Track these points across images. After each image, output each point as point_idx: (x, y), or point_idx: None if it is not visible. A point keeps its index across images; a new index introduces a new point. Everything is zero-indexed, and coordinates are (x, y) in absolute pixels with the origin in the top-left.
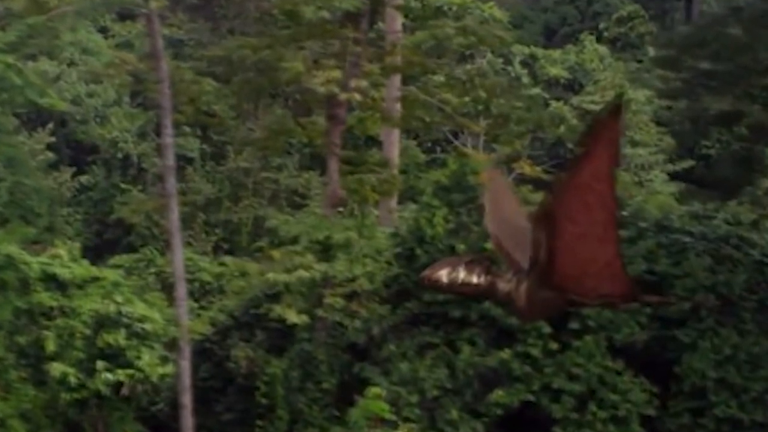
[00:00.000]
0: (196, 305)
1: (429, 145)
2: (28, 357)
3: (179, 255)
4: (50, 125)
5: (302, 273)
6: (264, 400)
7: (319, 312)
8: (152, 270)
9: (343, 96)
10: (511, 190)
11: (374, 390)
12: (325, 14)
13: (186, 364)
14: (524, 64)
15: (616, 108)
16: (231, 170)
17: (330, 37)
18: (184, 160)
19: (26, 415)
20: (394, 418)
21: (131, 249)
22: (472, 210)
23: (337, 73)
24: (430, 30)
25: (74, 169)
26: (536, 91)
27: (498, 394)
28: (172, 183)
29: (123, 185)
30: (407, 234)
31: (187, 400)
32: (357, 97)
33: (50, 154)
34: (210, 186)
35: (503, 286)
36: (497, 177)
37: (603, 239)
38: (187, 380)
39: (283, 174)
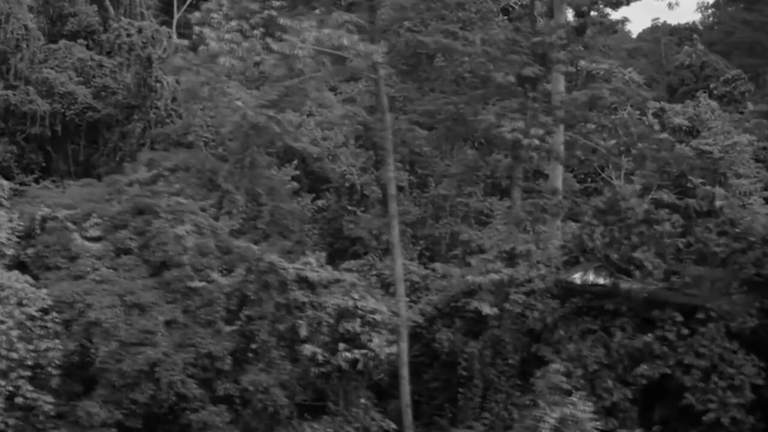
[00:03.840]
0: (407, 299)
1: (581, 176)
2: (285, 340)
3: (399, 261)
4: (294, 162)
5: (493, 276)
6: (464, 372)
7: (506, 305)
8: (373, 272)
9: (525, 141)
10: None
11: (554, 366)
12: (511, 78)
13: (404, 346)
14: (655, 114)
15: None
16: (433, 196)
17: (513, 95)
18: (396, 189)
19: (284, 384)
20: (567, 386)
21: (356, 256)
22: (622, 228)
23: (520, 124)
24: (589, 89)
25: (312, 195)
26: (664, 135)
27: (643, 368)
28: (394, 207)
29: (349, 207)
30: (573, 246)
31: (405, 372)
32: (536, 142)
33: (295, 184)
34: (417, 208)
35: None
36: None
37: None
38: (405, 357)
39: (472, 199)
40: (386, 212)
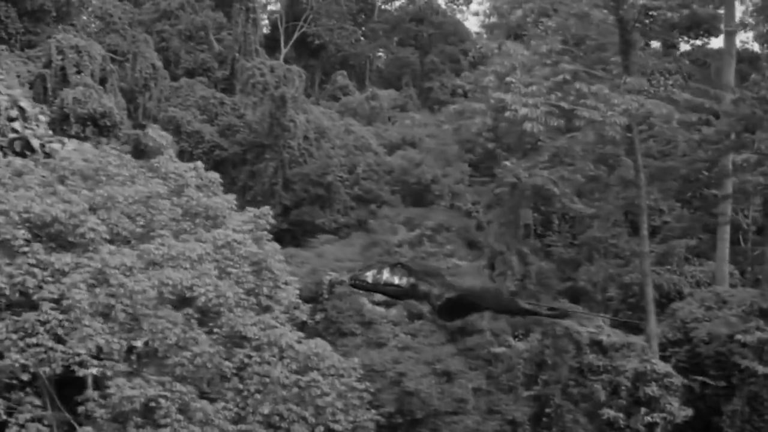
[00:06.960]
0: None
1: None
2: (577, 404)
3: (653, 318)
4: None
5: (760, 334)
6: (729, 430)
7: None
8: None
9: None
10: None
11: None
12: None
13: None
14: None
15: None
16: (587, 238)
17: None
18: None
19: None
20: None
21: None
22: None
23: None
24: None
25: None
26: None
27: None
28: (647, 264)
29: None
30: None
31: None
32: None
33: None
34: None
35: (423, 287)
36: None
37: None
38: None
39: (621, 239)
40: None
